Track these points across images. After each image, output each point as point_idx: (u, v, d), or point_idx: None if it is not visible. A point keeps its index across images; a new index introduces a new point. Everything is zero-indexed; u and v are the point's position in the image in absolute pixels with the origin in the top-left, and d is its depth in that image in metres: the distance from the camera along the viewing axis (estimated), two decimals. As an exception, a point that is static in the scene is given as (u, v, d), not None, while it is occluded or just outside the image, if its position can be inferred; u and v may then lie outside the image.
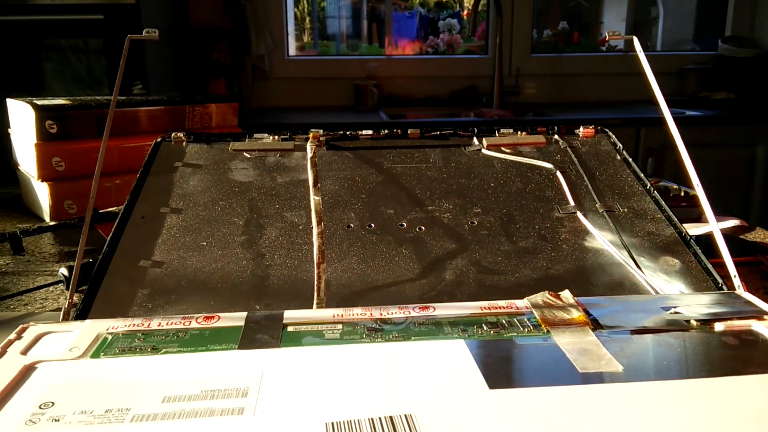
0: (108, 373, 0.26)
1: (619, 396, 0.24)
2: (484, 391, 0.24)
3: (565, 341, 0.28)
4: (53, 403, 0.23)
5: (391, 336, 0.29)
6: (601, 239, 0.44)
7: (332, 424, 0.22)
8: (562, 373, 0.26)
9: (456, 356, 0.27)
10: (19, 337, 0.29)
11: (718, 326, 0.30)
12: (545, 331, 0.29)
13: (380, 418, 0.22)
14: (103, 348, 0.28)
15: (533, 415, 0.22)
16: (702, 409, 0.23)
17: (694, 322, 0.30)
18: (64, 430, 0.22)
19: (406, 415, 0.22)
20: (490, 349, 0.28)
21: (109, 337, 0.29)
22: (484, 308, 0.32)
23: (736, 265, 0.39)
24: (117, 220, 0.45)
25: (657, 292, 0.38)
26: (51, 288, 0.55)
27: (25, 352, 0.28)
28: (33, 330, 0.30)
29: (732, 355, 0.28)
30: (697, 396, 0.24)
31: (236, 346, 0.28)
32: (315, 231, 0.41)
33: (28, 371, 0.26)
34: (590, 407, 0.23)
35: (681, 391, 0.24)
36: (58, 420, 0.22)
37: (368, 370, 0.26)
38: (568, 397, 0.24)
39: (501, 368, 0.27)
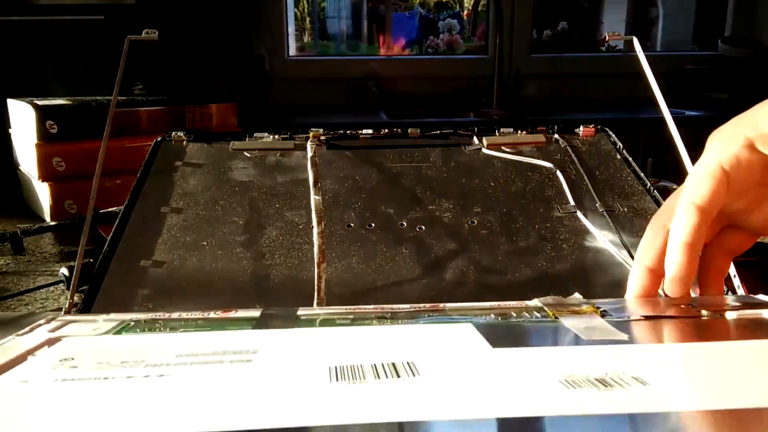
0: (127, 342, 0.28)
1: (624, 353, 0.24)
2: (487, 349, 0.25)
3: (573, 323, 0.28)
4: (74, 358, 0.25)
5: (400, 323, 0.30)
6: (601, 239, 0.44)
7: (335, 368, 0.23)
8: (567, 341, 0.26)
9: (462, 331, 0.28)
10: (47, 322, 0.31)
11: (730, 314, 0.30)
12: (554, 317, 0.30)
13: (383, 364, 0.23)
14: (125, 329, 0.30)
15: (534, 366, 0.23)
16: (706, 361, 0.23)
17: (705, 312, 0.30)
18: (82, 372, 0.23)
19: (408, 362, 0.23)
20: (496, 327, 0.29)
21: (132, 323, 0.31)
22: (494, 306, 0.32)
23: (736, 265, 0.39)
24: (117, 220, 0.45)
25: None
26: (51, 288, 0.55)
27: (52, 332, 0.30)
28: (60, 319, 0.32)
29: (739, 332, 0.29)
30: (705, 353, 0.24)
31: (251, 328, 0.30)
32: (315, 230, 0.41)
33: (53, 341, 0.28)
34: (594, 362, 0.23)
35: (689, 350, 0.25)
36: (77, 367, 0.24)
37: (375, 339, 0.27)
38: (572, 354, 0.24)
39: (506, 338, 0.28)
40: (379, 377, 0.21)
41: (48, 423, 0.19)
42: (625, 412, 0.18)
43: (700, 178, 0.32)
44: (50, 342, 0.28)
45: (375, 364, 0.23)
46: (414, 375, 0.21)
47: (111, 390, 0.22)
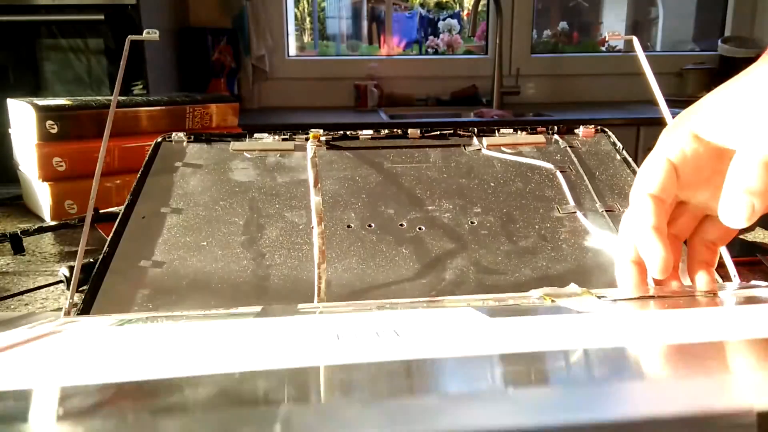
0: (132, 330, 0.29)
1: (621, 317, 0.26)
2: (484, 319, 0.26)
3: (568, 303, 0.29)
4: (81, 340, 0.26)
5: (399, 308, 0.31)
6: (601, 239, 0.44)
7: (338, 335, 0.23)
8: (563, 312, 0.28)
9: (461, 313, 0.28)
10: (49, 322, 0.31)
11: (723, 293, 0.31)
12: (551, 301, 0.30)
13: (384, 330, 0.24)
14: (128, 322, 0.31)
15: (532, 330, 0.24)
16: (702, 324, 0.24)
17: (699, 292, 0.31)
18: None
19: (408, 329, 0.24)
20: (494, 308, 0.30)
21: (133, 320, 0.31)
22: (492, 298, 0.33)
23: (736, 265, 0.39)
24: (117, 220, 0.45)
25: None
26: (51, 288, 0.55)
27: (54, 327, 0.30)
28: (63, 320, 0.32)
29: (736, 303, 0.30)
30: (695, 318, 0.25)
31: (253, 317, 0.31)
32: (315, 231, 0.41)
33: (59, 328, 0.29)
34: (590, 327, 0.24)
35: (680, 315, 0.26)
36: (86, 343, 0.25)
37: (376, 322, 0.28)
38: (566, 320, 0.25)
39: (504, 313, 0.29)
40: (380, 337, 0.22)
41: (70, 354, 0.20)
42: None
43: (648, 170, 0.34)
44: (54, 332, 0.28)
45: (378, 332, 0.23)
46: (417, 337, 0.22)
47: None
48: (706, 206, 0.35)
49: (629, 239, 0.35)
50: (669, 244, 0.33)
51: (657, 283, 0.35)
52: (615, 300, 0.30)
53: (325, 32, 2.32)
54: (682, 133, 0.33)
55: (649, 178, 0.34)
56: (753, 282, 0.34)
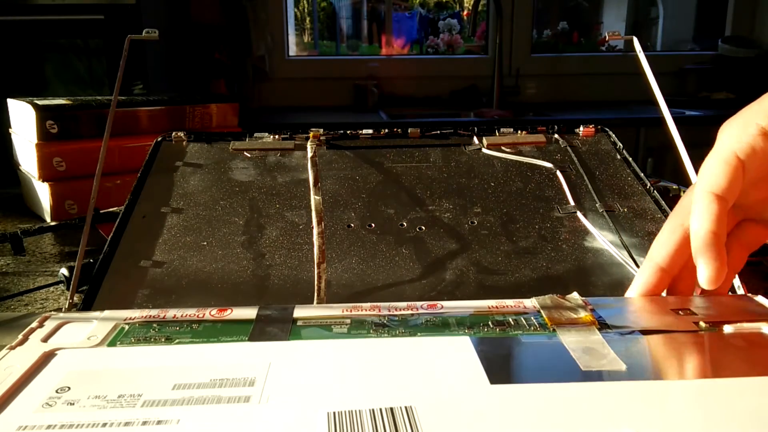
0: (123, 360, 0.27)
1: (620, 394, 0.24)
2: (485, 386, 0.25)
3: (570, 340, 0.28)
4: (69, 388, 0.25)
5: (397, 332, 0.29)
6: (601, 239, 0.44)
7: (334, 413, 0.22)
8: (564, 370, 0.26)
9: (460, 352, 0.27)
10: (40, 325, 0.30)
11: (728, 328, 0.30)
12: (551, 329, 0.29)
13: (381, 410, 0.23)
14: (119, 337, 0.29)
15: (532, 411, 0.23)
16: (705, 408, 0.23)
17: (703, 324, 0.30)
18: (78, 413, 0.23)
19: (406, 407, 0.23)
20: (494, 345, 0.28)
21: (126, 327, 0.30)
22: (492, 307, 0.32)
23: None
24: (118, 220, 0.45)
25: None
26: (51, 288, 0.55)
27: (45, 340, 0.29)
28: (54, 319, 0.31)
29: (740, 357, 0.28)
30: (700, 396, 0.24)
31: (246, 338, 0.29)
32: (315, 231, 0.41)
33: (47, 358, 0.27)
34: (589, 404, 0.23)
35: (684, 390, 0.24)
36: (73, 404, 0.23)
37: (372, 363, 0.27)
38: (568, 393, 0.24)
39: (503, 364, 0.27)
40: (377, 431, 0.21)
41: None
42: None
43: (715, 168, 0.31)
44: (44, 359, 0.27)
45: (373, 411, 0.22)
46: (412, 431, 0.21)
47: None
48: (751, 208, 0.33)
49: (668, 243, 0.33)
50: (723, 252, 0.30)
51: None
52: (617, 337, 0.29)
53: (325, 32, 2.32)
54: (750, 130, 0.31)
55: (717, 176, 0.31)
56: (758, 299, 0.33)
